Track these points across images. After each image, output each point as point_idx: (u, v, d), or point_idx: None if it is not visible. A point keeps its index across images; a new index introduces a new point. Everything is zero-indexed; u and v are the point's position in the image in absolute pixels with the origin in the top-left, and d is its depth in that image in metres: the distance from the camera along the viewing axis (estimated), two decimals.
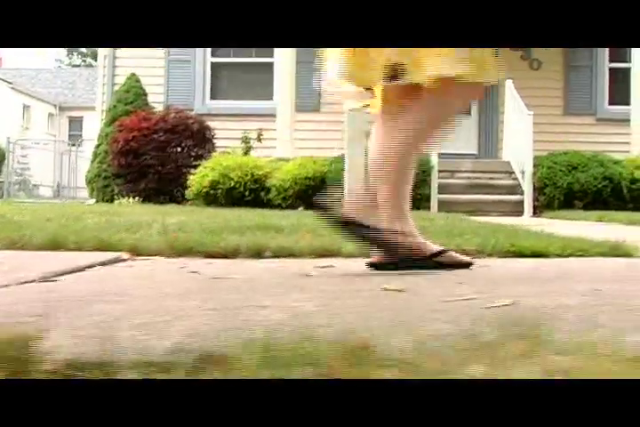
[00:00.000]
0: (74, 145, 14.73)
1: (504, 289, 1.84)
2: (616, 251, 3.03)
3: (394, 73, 2.29)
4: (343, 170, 9.57)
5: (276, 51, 10.96)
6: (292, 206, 9.50)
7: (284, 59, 10.79)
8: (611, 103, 12.26)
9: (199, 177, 9.74)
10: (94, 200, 11.23)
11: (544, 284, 1.99)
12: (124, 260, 2.81)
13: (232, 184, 9.49)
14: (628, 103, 11.02)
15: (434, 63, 2.23)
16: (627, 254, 3.00)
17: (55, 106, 31.23)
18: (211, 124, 11.58)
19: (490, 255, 3.02)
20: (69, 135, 28.48)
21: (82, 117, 29.61)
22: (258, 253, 2.98)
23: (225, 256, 2.97)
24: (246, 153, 11.47)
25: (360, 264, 2.58)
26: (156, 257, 2.93)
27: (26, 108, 29.74)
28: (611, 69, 12.31)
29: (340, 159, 9.92)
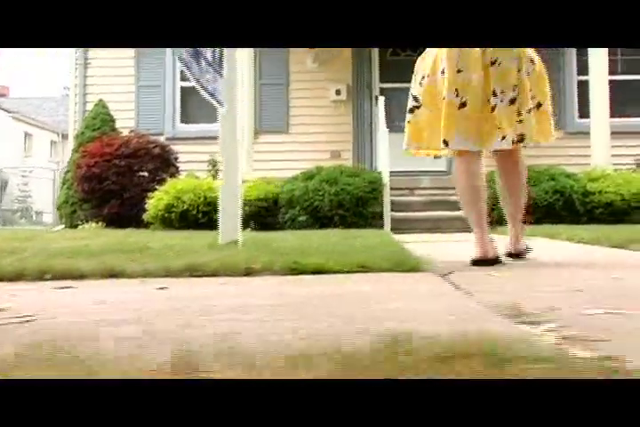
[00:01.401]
0: (68, 171, 14.85)
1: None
2: (400, 267, 3.03)
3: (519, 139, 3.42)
4: (294, 190, 9.65)
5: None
6: (249, 228, 9.54)
7: (241, 82, 10.88)
8: (580, 116, 12.18)
9: (155, 200, 9.82)
10: (62, 226, 11.36)
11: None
12: None
13: (185, 207, 9.55)
14: None
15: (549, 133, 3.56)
16: (410, 270, 3.00)
17: (58, 134, 31.74)
18: (181, 147, 11.70)
19: (275, 273, 3.03)
20: None
21: None
22: (41, 276, 3.02)
23: (10, 279, 3.01)
24: (213, 177, 11.55)
25: (103, 284, 2.61)
26: None
27: (27, 136, 30.28)
28: (579, 82, 12.24)
29: (293, 180, 9.97)
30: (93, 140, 11.15)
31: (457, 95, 3.30)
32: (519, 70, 3.36)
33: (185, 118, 12.59)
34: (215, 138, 12.20)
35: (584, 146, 11.62)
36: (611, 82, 11.90)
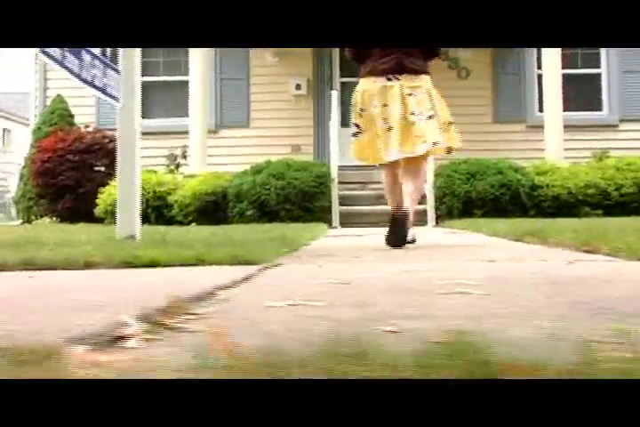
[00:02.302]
0: (25, 167, 14.80)
1: None
2: (237, 260, 3.04)
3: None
4: (242, 184, 9.65)
5: (191, 69, 11.04)
6: (194, 222, 9.54)
7: (195, 77, 10.89)
8: (541, 110, 12.15)
9: (105, 195, 9.83)
10: (20, 221, 11.37)
11: None
12: None
13: None
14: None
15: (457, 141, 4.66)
16: (245, 263, 3.01)
17: None
18: (143, 142, 11.67)
19: (114, 266, 3.04)
20: None
21: None
22: None
23: None
24: (172, 171, 11.55)
25: None
26: None
27: (6, 131, 30.32)
28: (539, 76, 12.22)
29: (242, 174, 9.97)
30: (50, 135, 11.16)
31: (385, 123, 4.47)
32: (431, 99, 4.52)
33: (145, 113, 12.54)
34: (175, 133, 12.24)
35: (543, 139, 11.62)
36: (570, 76, 11.92)
